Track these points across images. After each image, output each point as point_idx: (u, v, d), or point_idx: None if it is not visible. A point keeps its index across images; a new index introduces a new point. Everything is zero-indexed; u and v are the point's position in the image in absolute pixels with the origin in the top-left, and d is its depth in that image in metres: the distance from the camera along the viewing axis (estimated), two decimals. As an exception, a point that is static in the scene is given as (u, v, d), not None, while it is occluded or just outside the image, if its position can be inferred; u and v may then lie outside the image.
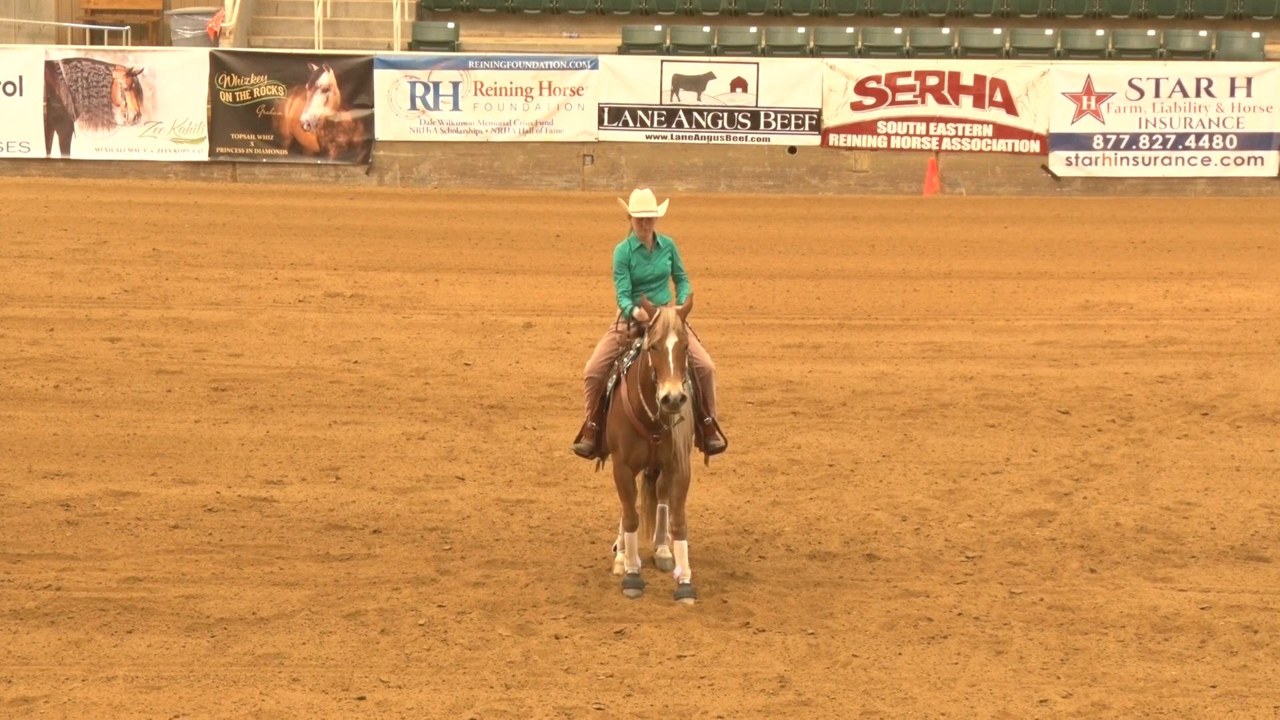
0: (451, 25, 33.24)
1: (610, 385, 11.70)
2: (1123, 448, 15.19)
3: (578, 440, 12.07)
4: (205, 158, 31.54)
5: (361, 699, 9.98)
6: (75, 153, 31.54)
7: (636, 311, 11.64)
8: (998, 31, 32.79)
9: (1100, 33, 32.76)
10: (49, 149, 31.55)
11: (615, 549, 12.09)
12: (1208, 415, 16.25)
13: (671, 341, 11.16)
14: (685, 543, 11.63)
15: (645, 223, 11.92)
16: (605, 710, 9.87)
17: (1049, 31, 32.80)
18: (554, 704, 9.93)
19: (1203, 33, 32.71)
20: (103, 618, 11.09)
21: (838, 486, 14.03)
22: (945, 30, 32.99)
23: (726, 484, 14.08)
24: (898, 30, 32.88)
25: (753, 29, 32.99)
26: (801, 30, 32.90)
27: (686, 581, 11.55)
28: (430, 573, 11.97)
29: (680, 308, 11.38)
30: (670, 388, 11.08)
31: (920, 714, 9.87)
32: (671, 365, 11.11)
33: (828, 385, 17.26)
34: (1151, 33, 32.76)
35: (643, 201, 11.92)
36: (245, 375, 17.38)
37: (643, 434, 11.38)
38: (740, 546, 12.61)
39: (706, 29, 32.97)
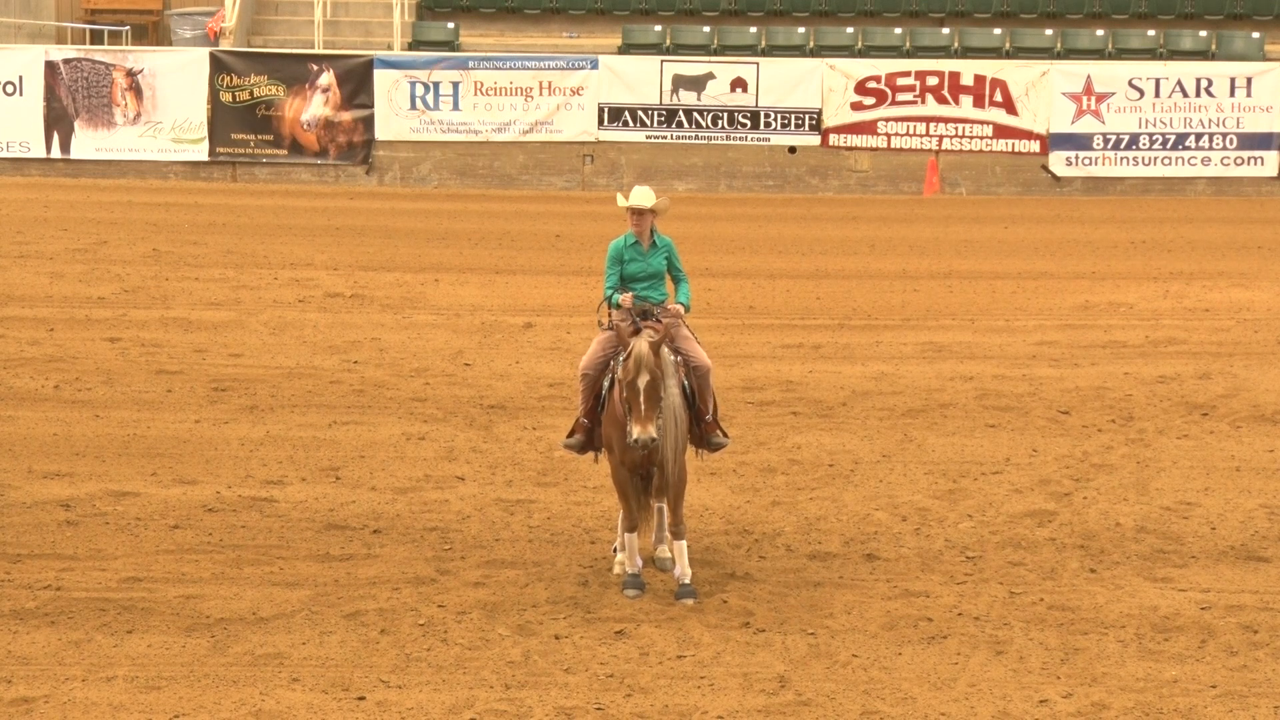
0: (451, 25, 33.24)
1: (605, 386, 11.64)
2: (1123, 448, 15.19)
3: (569, 435, 12.02)
4: (205, 158, 31.55)
5: (361, 699, 9.98)
6: (75, 153, 31.55)
7: (620, 298, 11.63)
8: (998, 31, 32.80)
9: (1100, 33, 32.77)
10: (49, 149, 31.56)
11: (615, 549, 12.08)
12: (1208, 415, 16.25)
13: (644, 381, 11.05)
14: (684, 542, 11.62)
15: (637, 217, 11.87)
16: (605, 710, 9.87)
17: (1049, 31, 32.80)
18: (554, 704, 9.93)
19: (1203, 33, 32.72)
20: (103, 618, 11.09)
21: (838, 486, 14.03)
22: (945, 30, 32.99)
23: (726, 484, 14.08)
24: (898, 30, 32.89)
25: (753, 29, 33.00)
26: (801, 30, 32.91)
27: (687, 581, 11.54)
28: (430, 573, 11.97)
29: (655, 339, 11.20)
30: (639, 431, 11.02)
31: (920, 714, 9.87)
32: (643, 406, 11.02)
33: (828, 385, 17.26)
34: (1151, 33, 32.77)
35: (632, 196, 11.89)
36: (245, 375, 17.38)
37: None
38: (740, 546, 12.60)
39: (706, 29, 32.98)
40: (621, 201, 11.93)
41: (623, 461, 11.47)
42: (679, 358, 11.66)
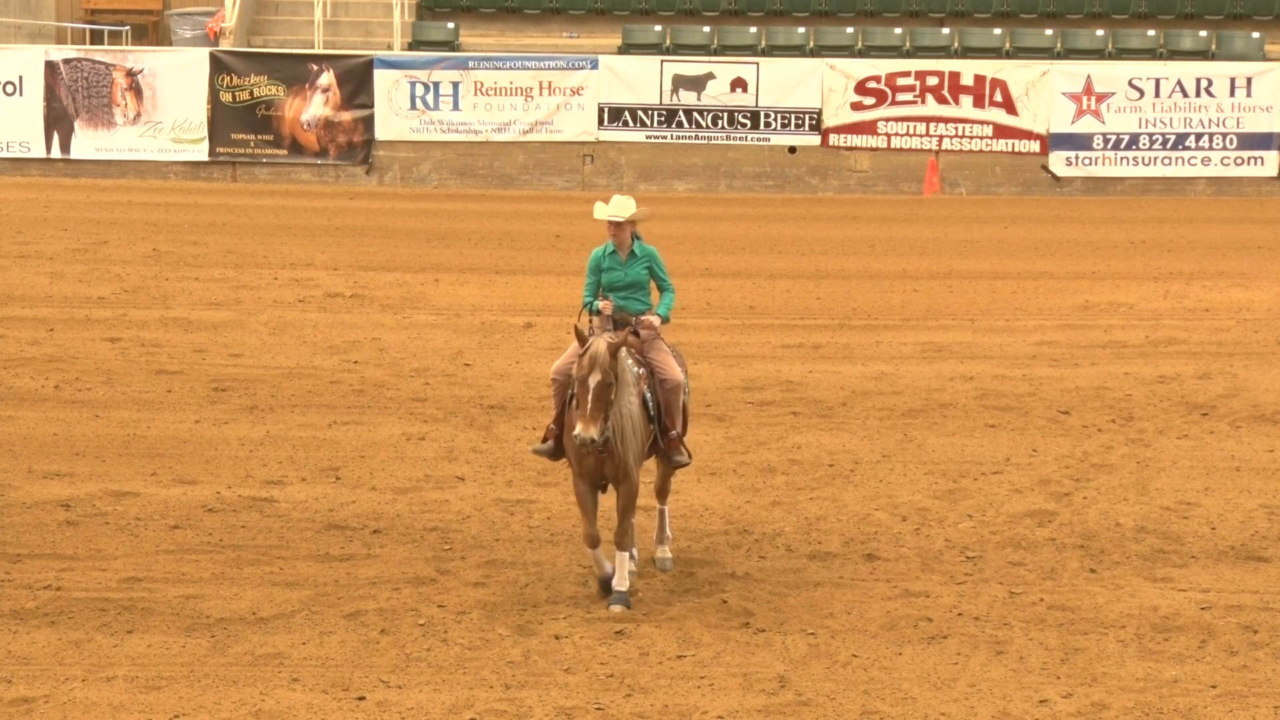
0: (451, 25, 33.25)
1: (570, 393, 11.46)
2: (1123, 448, 15.19)
3: (542, 441, 11.83)
4: (205, 158, 31.56)
5: (361, 699, 9.98)
6: (75, 153, 31.55)
7: (600, 305, 11.56)
8: (998, 31, 32.80)
9: (1100, 33, 32.77)
10: (49, 149, 31.56)
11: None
12: (1208, 415, 16.25)
13: (594, 380, 10.94)
14: (627, 554, 11.42)
15: (614, 227, 11.79)
16: (605, 710, 9.87)
17: (1049, 31, 32.81)
18: (554, 704, 9.93)
19: (1203, 33, 32.72)
20: (103, 618, 11.09)
21: (838, 486, 14.03)
22: (945, 30, 32.99)
23: (726, 484, 14.08)
24: (898, 30, 32.89)
25: (753, 29, 33.00)
26: (801, 30, 32.91)
27: (622, 589, 11.36)
28: (430, 573, 11.97)
29: (614, 341, 11.15)
30: (580, 429, 10.92)
31: (920, 714, 9.87)
32: (589, 404, 10.91)
33: (828, 385, 17.26)
34: (1151, 33, 32.77)
35: (610, 206, 11.78)
36: (245, 375, 17.38)
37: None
38: (740, 546, 12.60)
39: (706, 29, 32.98)
40: (599, 213, 11.83)
41: (580, 474, 11.34)
42: (643, 370, 11.52)
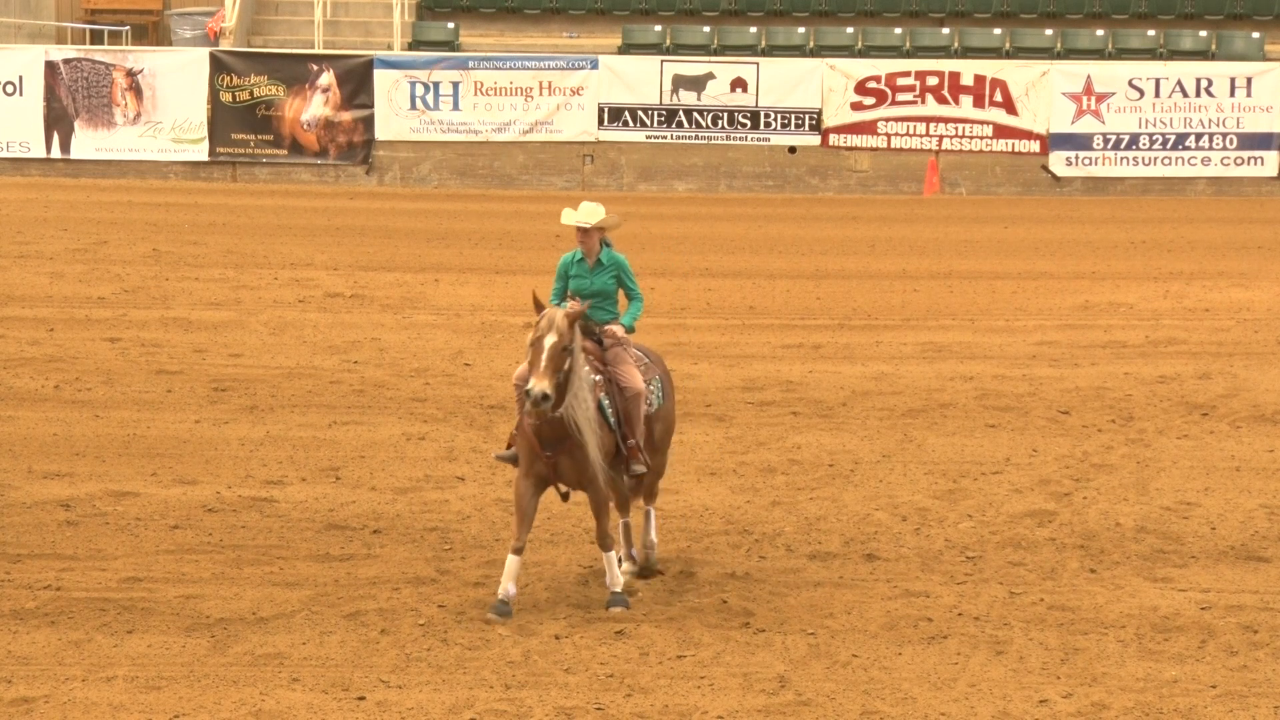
0: (451, 25, 33.26)
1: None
2: (1123, 448, 15.19)
3: (506, 448, 11.69)
4: (205, 158, 31.57)
5: (361, 699, 9.98)
6: (75, 153, 31.56)
7: (567, 305, 11.48)
8: (998, 31, 32.80)
9: (1100, 33, 32.78)
10: (49, 149, 31.57)
11: (620, 559, 11.89)
12: (1208, 415, 16.25)
13: (549, 340, 10.90)
14: (612, 554, 11.37)
15: (582, 234, 11.74)
16: (605, 710, 9.87)
17: (1049, 31, 32.81)
18: (554, 704, 9.92)
19: (1203, 33, 32.72)
20: (103, 618, 11.09)
21: (838, 486, 14.03)
22: (945, 30, 33.00)
23: (726, 484, 14.08)
24: (898, 30, 32.89)
25: (753, 29, 33.00)
26: (801, 30, 32.92)
27: (617, 590, 11.36)
28: (430, 573, 11.97)
29: (571, 311, 11.07)
30: (535, 382, 10.83)
31: (920, 714, 9.87)
32: (543, 361, 10.86)
33: (828, 385, 17.26)
34: (1151, 33, 32.78)
35: (579, 212, 11.72)
36: (245, 375, 17.38)
37: (537, 450, 11.16)
38: (740, 546, 12.60)
39: (706, 29, 32.98)
40: (566, 219, 11.76)
41: (526, 474, 11.29)
42: (599, 378, 11.42)
